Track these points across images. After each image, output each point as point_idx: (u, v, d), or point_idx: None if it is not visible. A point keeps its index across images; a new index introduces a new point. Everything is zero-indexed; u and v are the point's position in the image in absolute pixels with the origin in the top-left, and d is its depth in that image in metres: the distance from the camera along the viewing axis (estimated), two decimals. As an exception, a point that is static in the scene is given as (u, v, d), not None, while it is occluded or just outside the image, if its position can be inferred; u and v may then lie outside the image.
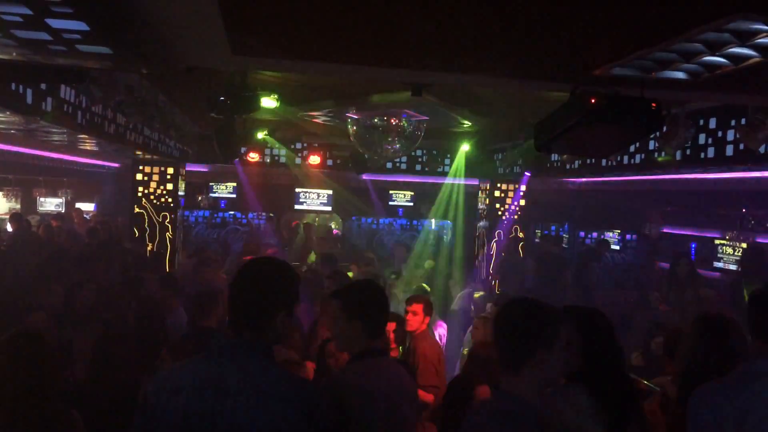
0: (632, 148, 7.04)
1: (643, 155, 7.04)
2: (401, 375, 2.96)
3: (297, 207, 14.19)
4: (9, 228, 10.48)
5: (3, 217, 12.55)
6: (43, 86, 5.03)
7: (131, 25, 2.95)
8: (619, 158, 7.37)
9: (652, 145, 6.75)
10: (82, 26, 2.80)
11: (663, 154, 6.46)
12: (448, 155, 11.24)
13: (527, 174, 10.23)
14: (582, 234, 15.09)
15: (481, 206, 11.96)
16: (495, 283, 10.98)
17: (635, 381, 3.88)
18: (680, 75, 3.28)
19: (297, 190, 14.04)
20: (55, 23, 2.77)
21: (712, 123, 5.90)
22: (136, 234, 9.98)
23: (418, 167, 11.32)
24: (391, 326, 4.76)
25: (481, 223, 11.87)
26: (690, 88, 3.68)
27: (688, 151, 6.20)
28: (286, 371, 2.26)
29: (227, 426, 1.98)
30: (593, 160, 8.10)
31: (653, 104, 3.58)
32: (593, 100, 3.41)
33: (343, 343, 2.96)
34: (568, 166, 8.82)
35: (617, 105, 3.47)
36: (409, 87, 4.99)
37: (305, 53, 3.59)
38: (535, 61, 3.56)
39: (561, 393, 2.58)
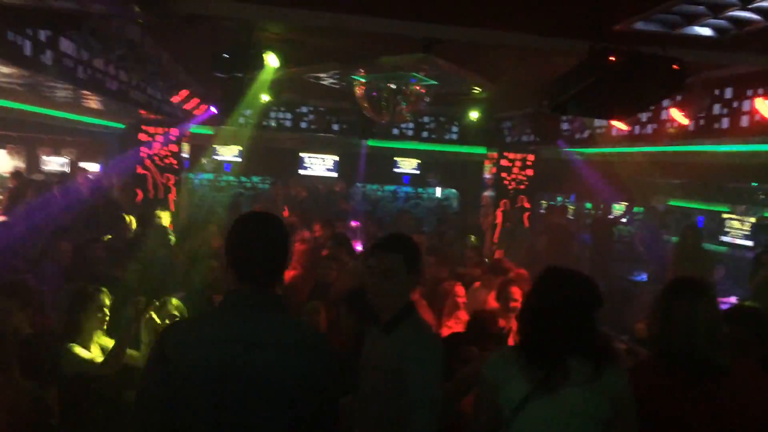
0: (643, 118, 6.88)
1: (655, 125, 6.88)
2: None
3: (301, 172, 13.99)
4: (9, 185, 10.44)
5: (6, 175, 12.46)
6: (42, 38, 4.87)
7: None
8: (629, 129, 7.21)
9: (664, 115, 6.59)
10: (75, -37, 2.67)
11: (675, 124, 6.31)
12: (456, 123, 11.06)
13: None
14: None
15: (487, 175, 11.81)
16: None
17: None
18: (706, 31, 3.12)
19: (301, 154, 13.84)
20: (47, -41, 2.64)
21: (728, 93, 5.73)
22: (139, 195, 9.89)
23: (425, 134, 11.14)
24: None
25: (487, 193, 11.74)
26: (715, 47, 3.52)
27: (701, 122, 6.05)
28: (306, 324, 2.22)
29: (260, 378, 1.96)
30: (602, 131, 7.96)
31: (675, 65, 3.42)
32: (613, 58, 3.25)
33: None
34: (577, 136, 8.67)
35: (638, 63, 3.32)
36: (419, 44, 4.82)
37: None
38: (554, 15, 3.41)
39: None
